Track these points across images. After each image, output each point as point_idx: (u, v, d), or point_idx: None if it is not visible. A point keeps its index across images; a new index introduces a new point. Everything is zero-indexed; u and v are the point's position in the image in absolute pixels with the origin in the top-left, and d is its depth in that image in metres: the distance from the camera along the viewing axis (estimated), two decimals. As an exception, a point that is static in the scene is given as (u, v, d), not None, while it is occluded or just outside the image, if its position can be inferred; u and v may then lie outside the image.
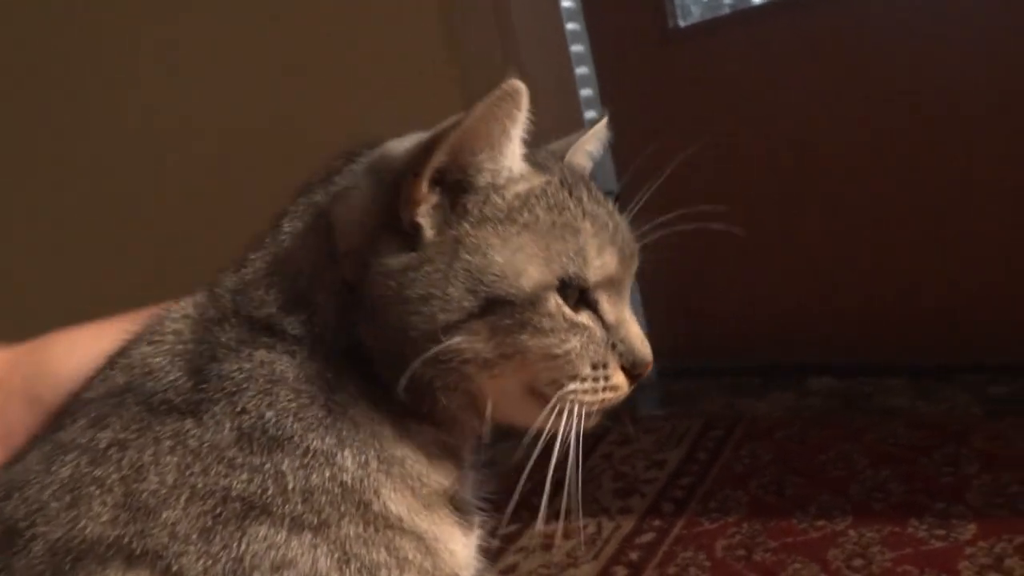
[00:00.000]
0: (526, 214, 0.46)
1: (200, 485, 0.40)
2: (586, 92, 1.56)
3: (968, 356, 1.31)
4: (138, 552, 0.38)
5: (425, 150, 0.44)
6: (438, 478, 0.46)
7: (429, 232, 0.45)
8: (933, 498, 1.02)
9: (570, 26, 1.54)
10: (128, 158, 1.64)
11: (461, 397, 0.47)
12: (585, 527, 1.15)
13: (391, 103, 1.49)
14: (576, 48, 1.55)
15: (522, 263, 0.45)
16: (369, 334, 0.45)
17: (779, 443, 1.24)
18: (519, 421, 0.48)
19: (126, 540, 0.38)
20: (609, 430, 1.37)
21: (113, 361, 0.46)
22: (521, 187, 0.47)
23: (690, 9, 1.54)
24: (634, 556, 1.07)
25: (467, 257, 0.44)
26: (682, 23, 1.51)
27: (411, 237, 0.45)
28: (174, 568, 0.38)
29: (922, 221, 1.34)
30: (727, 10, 1.52)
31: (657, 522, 1.13)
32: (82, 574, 0.38)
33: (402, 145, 0.47)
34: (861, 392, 1.35)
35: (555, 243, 0.46)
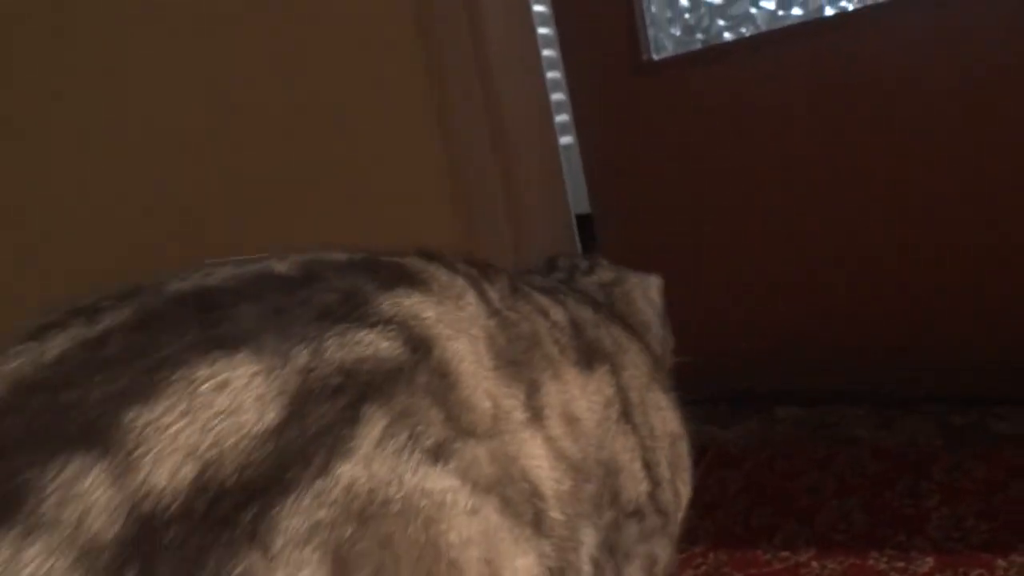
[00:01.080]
0: None
1: (580, 341, 0.61)
2: (561, 118, 1.58)
3: (929, 385, 1.34)
4: (548, 362, 0.58)
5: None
6: None
7: None
8: (895, 530, 1.03)
9: (546, 52, 1.56)
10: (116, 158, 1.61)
11: None
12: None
13: (366, 123, 1.49)
14: (552, 75, 1.57)
15: None
16: None
17: (748, 472, 1.25)
18: None
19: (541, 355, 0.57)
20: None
21: (552, 265, 0.81)
22: None
23: (664, 43, 1.56)
24: (600, 584, 1.06)
25: None
26: (655, 56, 1.54)
27: None
28: (546, 388, 0.54)
29: (888, 252, 1.37)
30: (699, 45, 1.55)
31: (623, 550, 1.12)
32: (540, 359, 0.55)
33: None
34: (827, 421, 1.37)
35: None
